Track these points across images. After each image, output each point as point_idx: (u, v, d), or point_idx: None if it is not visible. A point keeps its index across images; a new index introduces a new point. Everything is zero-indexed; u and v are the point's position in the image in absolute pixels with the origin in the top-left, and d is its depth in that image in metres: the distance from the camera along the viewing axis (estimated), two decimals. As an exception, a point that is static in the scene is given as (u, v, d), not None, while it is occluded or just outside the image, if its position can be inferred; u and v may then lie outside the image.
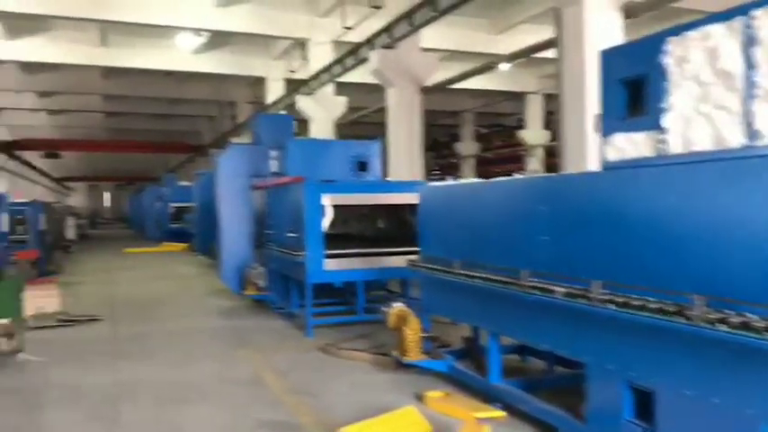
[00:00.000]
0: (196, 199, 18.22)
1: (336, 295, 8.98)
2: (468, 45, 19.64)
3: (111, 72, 25.70)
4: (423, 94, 13.81)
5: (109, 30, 19.98)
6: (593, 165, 6.90)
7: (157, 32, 20.77)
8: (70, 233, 24.49)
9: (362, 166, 9.77)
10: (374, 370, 6.06)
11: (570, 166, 7.98)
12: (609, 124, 3.78)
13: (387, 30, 12.96)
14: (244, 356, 6.89)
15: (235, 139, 28.02)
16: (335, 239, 7.95)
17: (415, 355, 5.52)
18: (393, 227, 9.30)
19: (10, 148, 33.27)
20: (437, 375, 5.64)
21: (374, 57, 13.36)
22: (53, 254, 15.47)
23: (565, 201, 4.07)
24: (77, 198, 71.00)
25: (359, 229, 9.31)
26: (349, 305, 8.97)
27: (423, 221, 5.97)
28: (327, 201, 7.74)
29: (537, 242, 4.23)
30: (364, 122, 25.89)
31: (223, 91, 29.23)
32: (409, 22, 12.16)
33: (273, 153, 10.24)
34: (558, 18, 8.44)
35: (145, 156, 50.37)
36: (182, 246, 24.08)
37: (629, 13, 8.77)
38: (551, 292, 3.95)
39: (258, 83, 27.12)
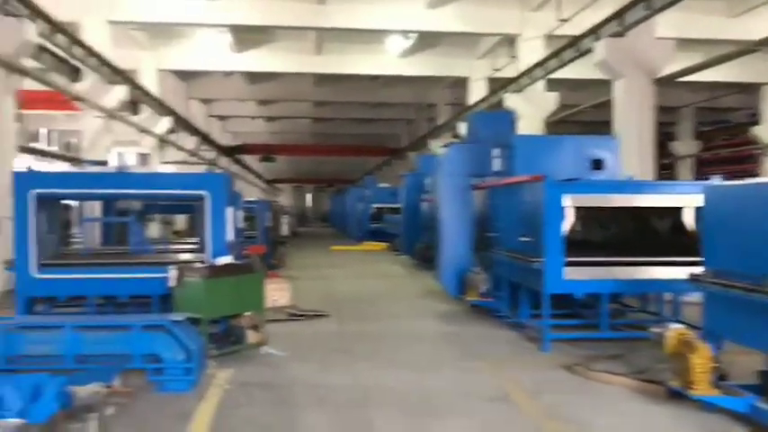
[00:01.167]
0: (401, 200, 18.39)
1: (567, 306, 8.20)
2: (700, 31, 17.52)
3: (322, 79, 27.18)
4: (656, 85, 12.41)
5: (324, 38, 21.00)
6: None
7: (368, 38, 21.42)
8: (284, 230, 26.24)
9: (598, 165, 8.86)
10: (641, 399, 5.22)
11: None
12: None
13: (617, 16, 11.79)
14: (479, 368, 6.42)
15: (433, 142, 28.13)
16: (577, 245, 7.18)
17: (704, 389, 4.59)
18: (649, 233, 8.23)
19: (233, 152, 36.82)
20: (726, 413, 4.66)
21: (600, 47, 12.25)
22: (276, 249, 16.50)
23: None
24: (284, 198, 77.31)
25: (604, 234, 8.41)
26: (581, 318, 8.14)
27: (709, 228, 5.01)
28: (569, 202, 7.00)
29: None
30: (572, 121, 24.41)
31: (423, 93, 29.51)
32: (646, 5, 10.91)
33: (495, 151, 9.71)
34: None
35: (344, 159, 53.16)
36: (382, 245, 24.64)
37: None
38: None
39: (458, 84, 26.91)
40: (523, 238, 7.63)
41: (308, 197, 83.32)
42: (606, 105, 17.81)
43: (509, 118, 11.03)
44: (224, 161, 33.68)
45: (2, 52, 10.51)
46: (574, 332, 7.68)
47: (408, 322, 9.12)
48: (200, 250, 8.55)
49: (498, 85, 19.37)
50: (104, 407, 4.53)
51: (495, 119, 11.26)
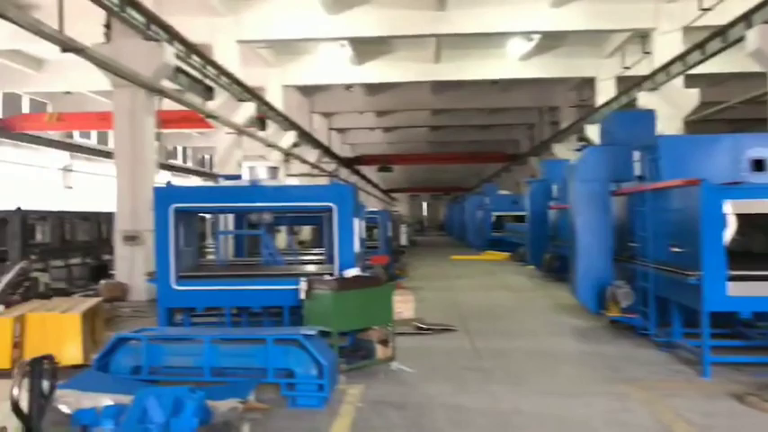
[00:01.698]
0: (526, 208, 17.67)
1: (725, 325, 7.31)
2: None
3: (440, 87, 26.99)
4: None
5: (444, 45, 20.77)
6: None
7: (488, 42, 20.94)
8: (403, 239, 26.23)
9: (760, 165, 7.82)
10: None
11: None
12: None
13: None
14: (630, 394, 5.78)
15: (557, 146, 27.01)
16: (739, 257, 6.34)
17: None
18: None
19: (352, 163, 37.55)
20: None
21: (754, 35, 11.02)
22: (397, 259, 16.41)
23: None
24: (400, 207, 77.98)
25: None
26: (744, 338, 7.21)
27: None
28: (732, 208, 6.19)
29: None
30: (716, 120, 22.40)
31: (545, 96, 28.49)
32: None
33: (636, 154, 8.91)
34: None
35: (460, 166, 52.64)
36: (504, 255, 23.90)
37: None
38: None
39: (583, 85, 25.69)
40: (675, 249, 6.87)
41: (424, 206, 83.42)
42: (756, 101, 16.16)
43: (650, 117, 10.13)
44: (344, 172, 34.41)
45: (143, 74, 11.20)
46: (737, 355, 6.80)
47: (544, 339, 8.55)
48: (327, 261, 8.55)
49: (630, 84, 18.18)
50: (241, 423, 4.48)
51: (634, 119, 10.39)
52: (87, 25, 11.77)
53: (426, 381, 6.32)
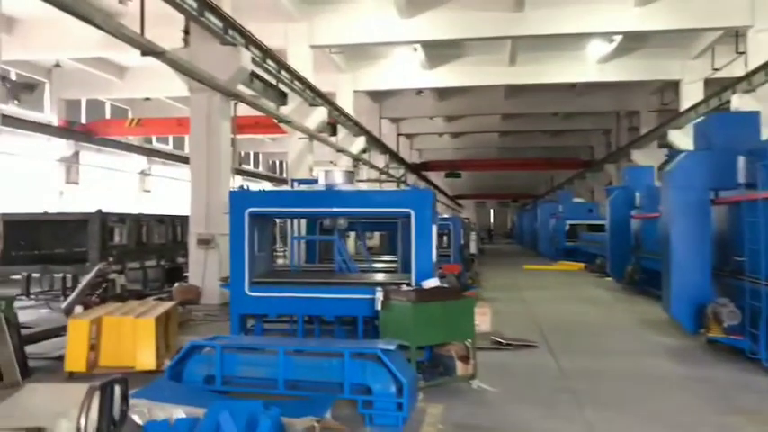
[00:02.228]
0: (607, 216, 16.79)
1: None
2: None
3: (513, 91, 26.31)
4: None
5: (519, 48, 20.15)
6: None
7: (566, 44, 20.19)
8: (472, 247, 25.64)
9: None
10: None
11: None
12: None
13: None
14: (742, 427, 5.14)
15: (636, 153, 25.81)
16: None
17: None
18: None
19: (419, 169, 37.22)
20: None
21: None
22: (469, 268, 15.92)
23: None
24: (467, 214, 76.91)
25: None
26: None
27: None
28: None
29: None
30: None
31: (624, 100, 27.31)
32: None
33: (741, 160, 8.13)
34: None
35: (529, 173, 51.40)
36: (579, 265, 22.95)
37: None
38: None
39: (666, 88, 24.45)
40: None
41: (491, 213, 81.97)
42: None
43: (754, 120, 9.25)
44: (411, 178, 34.12)
45: (220, 78, 11.23)
46: None
47: (636, 360, 7.89)
48: (401, 269, 8.20)
49: (720, 87, 17.03)
50: (318, 444, 4.18)
51: (736, 122, 9.54)
52: (167, 31, 11.92)
53: (511, 402, 5.86)
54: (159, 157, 29.09)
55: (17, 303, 12.23)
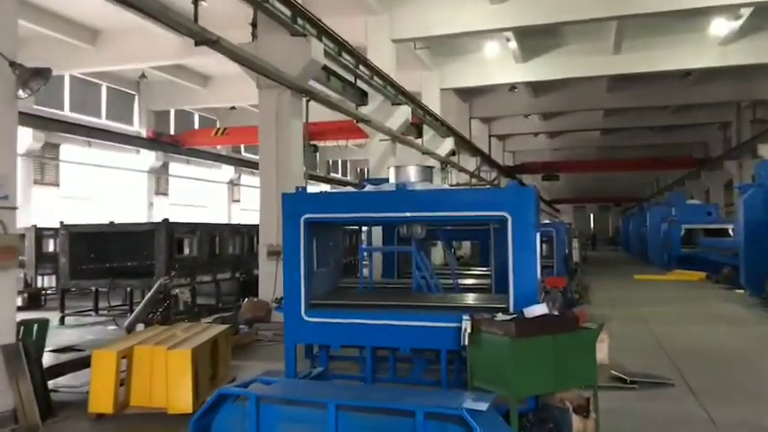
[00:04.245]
0: (740, 218, 14.33)
1: None
2: None
3: (617, 83, 23.91)
4: None
5: (625, 32, 17.94)
6: None
7: (681, 24, 17.82)
8: (575, 256, 23.41)
9: None
10: None
11: None
12: None
13: None
14: None
15: (763, 147, 22.74)
16: None
17: None
18: None
19: (513, 171, 35.11)
20: None
21: None
22: (574, 280, 13.99)
23: None
24: (565, 219, 73.04)
25: None
26: None
27: None
28: None
29: None
30: None
31: (748, 88, 24.10)
32: None
33: None
34: None
35: (630, 174, 47.73)
36: (698, 275, 20.31)
37: None
38: None
39: (802, 71, 21.26)
40: None
41: (591, 218, 77.65)
42: None
43: None
44: (504, 182, 32.16)
45: (289, 73, 10.15)
46: None
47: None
48: (495, 288, 6.66)
49: None
50: None
51: None
52: (241, 33, 11.07)
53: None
54: (247, 167, 28.85)
55: (86, 319, 11.84)
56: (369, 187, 6.08)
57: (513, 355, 4.44)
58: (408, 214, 5.51)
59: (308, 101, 11.28)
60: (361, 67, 13.69)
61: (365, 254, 6.28)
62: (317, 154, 35.08)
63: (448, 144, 21.47)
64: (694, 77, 22.90)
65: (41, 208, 18.70)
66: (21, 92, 5.05)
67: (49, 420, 5.40)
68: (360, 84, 14.58)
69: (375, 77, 14.43)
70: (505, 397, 4.45)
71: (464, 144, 23.67)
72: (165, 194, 25.93)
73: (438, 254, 17.22)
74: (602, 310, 12.55)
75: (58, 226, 11.61)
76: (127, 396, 5.48)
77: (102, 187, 22.48)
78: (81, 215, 19.87)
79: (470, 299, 5.92)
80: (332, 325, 5.57)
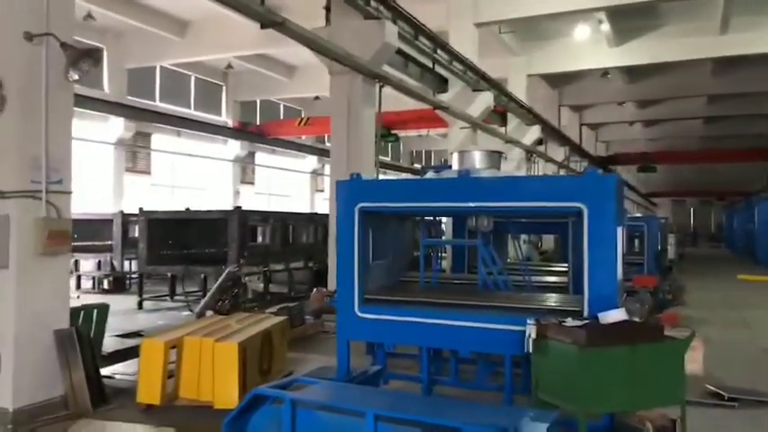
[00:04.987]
0: None
1: None
2: None
3: (723, 67, 21.97)
4: None
5: (733, 9, 16.32)
6: None
7: (799, -2, 16.04)
8: (671, 252, 21.84)
9: None
10: None
11: None
12: None
13: None
14: None
15: None
16: None
17: None
18: None
19: (606, 162, 33.32)
20: None
21: None
22: (669, 279, 12.86)
23: None
24: (662, 214, 69.02)
25: None
26: None
27: None
28: None
29: None
30: None
31: None
32: None
33: None
34: None
35: (737, 166, 44.24)
36: (816, 277, 18.38)
37: None
38: None
39: None
40: None
41: (691, 212, 73.03)
42: None
43: None
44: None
45: (361, 56, 9.81)
46: None
47: None
48: (572, 288, 6.02)
49: None
50: None
51: None
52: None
53: None
54: (326, 156, 28.97)
55: (163, 304, 12.09)
56: (429, 174, 5.62)
57: (582, 367, 3.87)
58: (471, 204, 5.00)
59: (381, 86, 10.88)
60: (439, 51, 13.14)
61: (427, 247, 5.82)
62: (401, 144, 34.82)
63: (534, 133, 20.51)
64: (814, 58, 20.64)
65: (133, 195, 19.50)
66: (72, 73, 4.88)
67: (102, 408, 5.34)
68: (439, 70, 14.04)
69: (454, 62, 13.84)
70: (574, 413, 3.91)
71: (552, 133, 22.56)
72: (252, 183, 26.48)
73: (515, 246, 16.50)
74: (700, 313, 11.48)
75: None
76: (176, 387, 5.35)
77: (191, 176, 23.20)
78: (170, 202, 20.62)
79: (542, 299, 5.33)
80: (386, 322, 5.17)
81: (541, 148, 22.10)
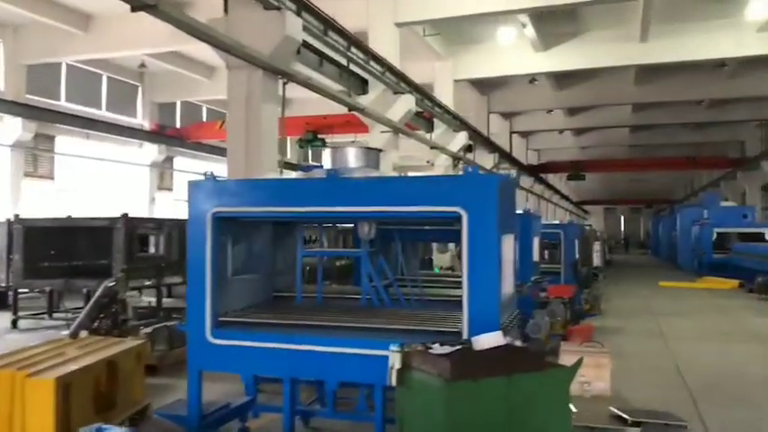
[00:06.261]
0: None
1: None
2: None
3: (646, 75, 22.23)
4: None
5: (652, 16, 16.35)
6: None
7: (715, 9, 16.23)
8: (596, 260, 21.87)
9: None
10: None
11: None
12: None
13: None
14: None
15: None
16: None
17: None
18: None
19: (537, 170, 33.53)
20: None
21: None
22: (587, 288, 12.57)
23: None
24: (594, 222, 70.60)
25: None
26: None
27: None
28: None
29: None
30: None
31: (791, 81, 22.22)
32: None
33: None
34: None
35: (664, 175, 45.65)
36: (730, 283, 18.72)
37: None
38: None
39: None
40: None
41: (622, 220, 75.18)
42: None
43: None
44: (527, 181, 30.60)
45: (261, 51, 9.01)
46: None
47: None
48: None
49: None
50: None
51: None
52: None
53: None
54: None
55: (43, 323, 10.87)
56: (296, 174, 4.88)
57: (447, 405, 3.20)
58: (339, 209, 4.28)
59: (285, 83, 10.10)
60: (354, 50, 12.47)
61: (302, 258, 5.07)
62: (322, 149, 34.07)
63: (461, 139, 20.11)
64: (730, 68, 21.13)
65: (32, 202, 17.97)
66: None
67: None
68: (357, 70, 13.36)
69: (372, 62, 13.20)
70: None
71: (480, 139, 22.28)
72: (170, 189, 25.11)
73: (444, 258, 15.92)
74: (616, 323, 11.20)
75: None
76: (-14, 431, 4.39)
77: (103, 182, 21.70)
78: (78, 209, 19.11)
79: (426, 317, 4.65)
80: (241, 349, 4.38)
81: (471, 156, 21.76)
